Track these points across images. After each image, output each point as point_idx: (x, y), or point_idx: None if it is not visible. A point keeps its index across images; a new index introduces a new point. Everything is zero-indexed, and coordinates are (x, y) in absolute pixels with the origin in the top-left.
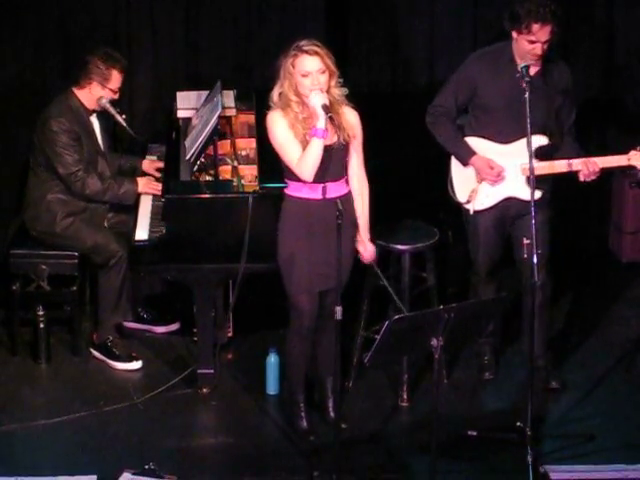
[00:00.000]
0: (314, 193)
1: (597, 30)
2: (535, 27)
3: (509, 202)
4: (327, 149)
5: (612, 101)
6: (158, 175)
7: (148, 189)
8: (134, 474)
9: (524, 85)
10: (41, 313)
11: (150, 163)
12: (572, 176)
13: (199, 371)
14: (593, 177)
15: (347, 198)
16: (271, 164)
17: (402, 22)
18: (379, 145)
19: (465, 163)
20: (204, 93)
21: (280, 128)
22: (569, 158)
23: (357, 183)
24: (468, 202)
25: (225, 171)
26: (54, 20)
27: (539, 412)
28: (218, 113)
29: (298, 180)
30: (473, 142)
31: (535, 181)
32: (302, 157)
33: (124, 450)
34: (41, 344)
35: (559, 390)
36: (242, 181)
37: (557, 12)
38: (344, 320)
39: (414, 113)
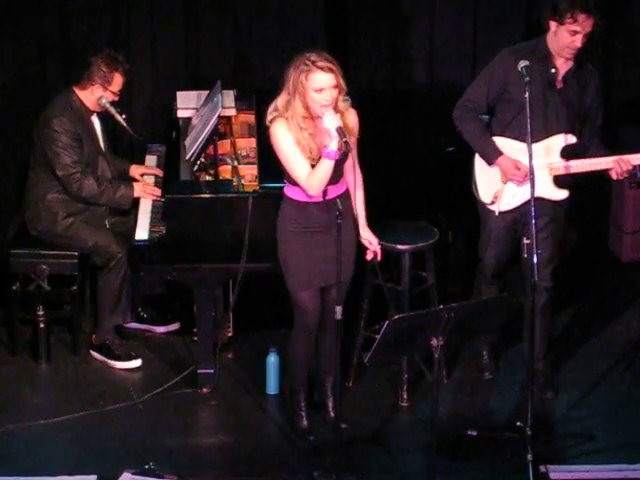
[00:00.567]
0: (315, 197)
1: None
2: (581, 17)
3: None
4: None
5: None
6: (145, 180)
7: (144, 193)
8: (134, 474)
9: (526, 86)
10: (41, 313)
11: (136, 168)
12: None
13: (199, 371)
14: (626, 175)
15: (346, 195)
16: (271, 164)
17: (402, 21)
18: (379, 144)
19: (491, 163)
20: (204, 93)
21: (287, 142)
22: (599, 157)
23: (352, 176)
24: (492, 203)
25: (225, 171)
26: (55, 19)
27: (539, 412)
28: (218, 113)
29: (299, 185)
30: (499, 141)
31: (562, 181)
32: (312, 175)
33: (124, 450)
34: (41, 344)
35: (553, 400)
36: (242, 181)
37: (598, 7)
38: (344, 320)
39: (414, 112)
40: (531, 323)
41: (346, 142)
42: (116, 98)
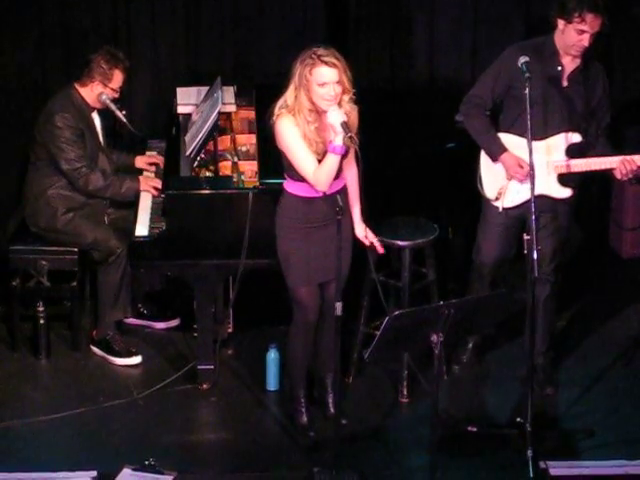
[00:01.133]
0: (316, 192)
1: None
2: (589, 17)
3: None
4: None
5: None
6: (153, 169)
7: (148, 187)
8: (134, 469)
9: (526, 82)
10: (41, 309)
11: (142, 159)
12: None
13: (199, 367)
14: (631, 176)
15: (344, 190)
16: (271, 160)
17: (402, 20)
18: (378, 140)
19: (495, 159)
20: (204, 89)
21: (294, 137)
22: (604, 156)
23: (349, 170)
24: (497, 199)
25: (225, 167)
26: (55, 16)
27: (539, 408)
28: (218, 109)
29: (301, 180)
30: (504, 138)
31: (567, 179)
32: (319, 170)
33: (124, 446)
34: (41, 340)
35: (553, 396)
36: (242, 177)
37: (606, 6)
38: (344, 316)
39: (414, 110)
40: (531, 319)
41: (351, 137)
42: (116, 95)
